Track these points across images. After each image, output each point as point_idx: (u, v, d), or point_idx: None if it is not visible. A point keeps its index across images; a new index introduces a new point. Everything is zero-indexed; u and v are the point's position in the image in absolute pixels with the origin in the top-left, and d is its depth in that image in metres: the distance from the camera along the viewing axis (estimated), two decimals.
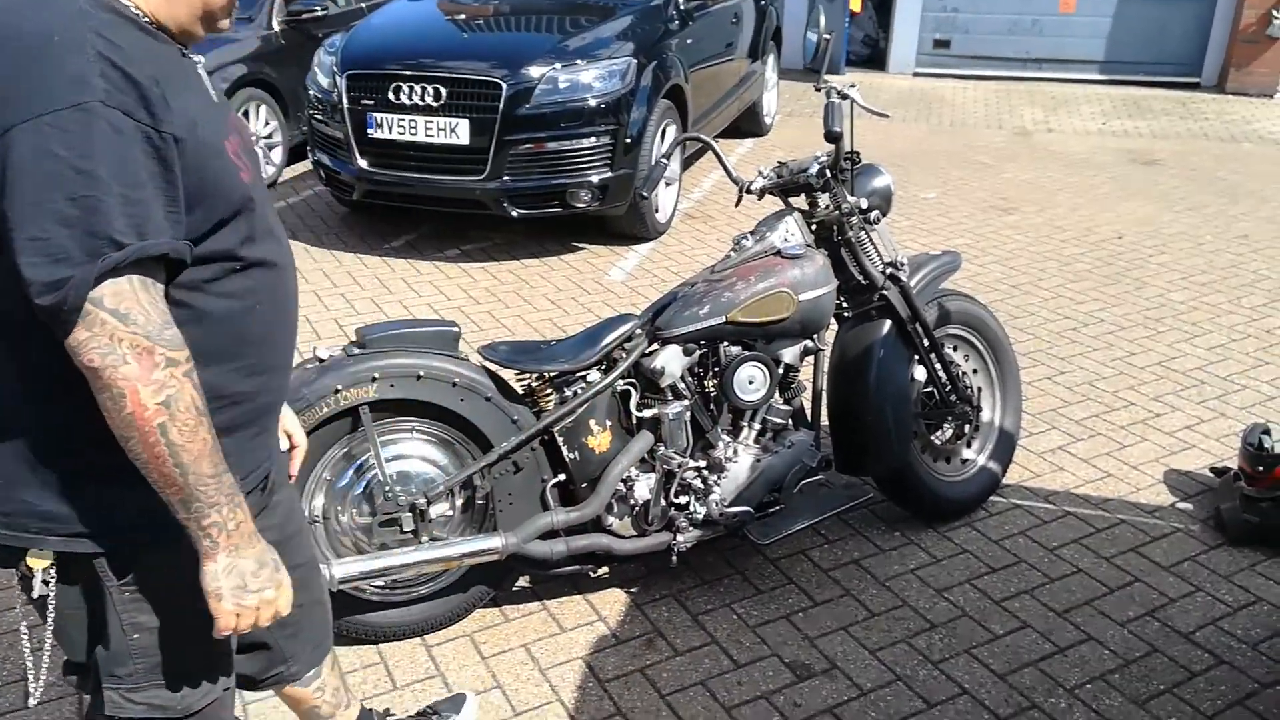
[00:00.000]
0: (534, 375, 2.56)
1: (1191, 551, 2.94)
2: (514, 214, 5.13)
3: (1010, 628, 2.62)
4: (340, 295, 4.88)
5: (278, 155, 6.79)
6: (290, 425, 1.74)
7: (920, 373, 3.00)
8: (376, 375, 2.34)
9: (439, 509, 2.46)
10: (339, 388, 2.31)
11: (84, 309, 1.15)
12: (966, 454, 3.15)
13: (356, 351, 2.37)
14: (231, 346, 1.35)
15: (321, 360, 2.36)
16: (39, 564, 1.32)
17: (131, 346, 1.17)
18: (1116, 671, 2.46)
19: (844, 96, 2.63)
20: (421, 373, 2.37)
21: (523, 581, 2.77)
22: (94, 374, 1.18)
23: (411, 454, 2.46)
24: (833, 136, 2.54)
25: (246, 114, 6.47)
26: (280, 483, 1.61)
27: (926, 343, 2.92)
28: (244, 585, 1.31)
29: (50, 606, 1.35)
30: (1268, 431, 3.16)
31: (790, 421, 2.77)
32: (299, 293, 1.52)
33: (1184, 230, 5.92)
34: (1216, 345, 4.37)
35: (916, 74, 10.50)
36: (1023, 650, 2.54)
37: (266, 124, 6.68)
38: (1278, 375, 4.08)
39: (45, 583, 1.33)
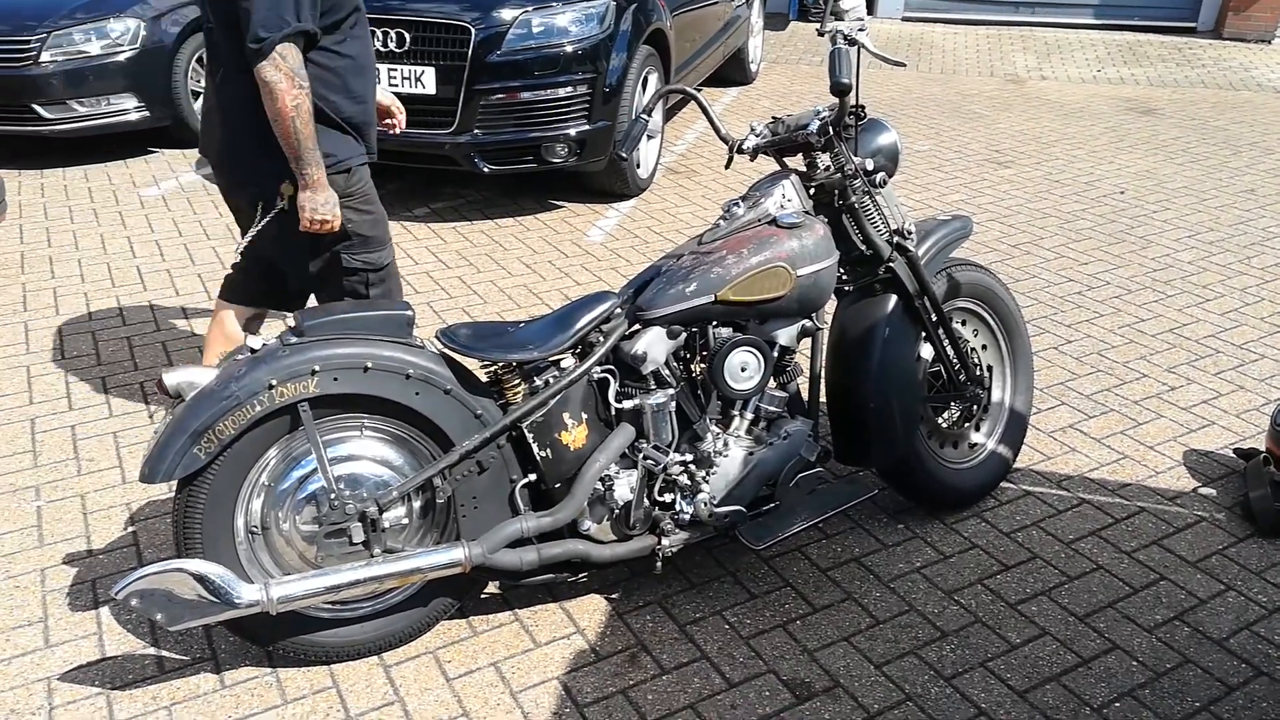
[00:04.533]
0: (499, 364, 2.27)
1: (1219, 544, 2.72)
2: (485, 170, 4.79)
3: (1028, 636, 2.39)
4: None
5: None
6: (389, 103, 2.88)
7: (927, 351, 2.73)
8: (317, 368, 2.04)
9: (393, 516, 2.18)
10: (273, 383, 2.01)
11: (270, 55, 2.22)
12: (975, 438, 2.89)
13: (293, 340, 2.07)
14: (341, 83, 2.43)
15: (253, 351, 2.07)
16: (288, 190, 2.42)
17: (286, 75, 2.25)
18: (1147, 686, 2.24)
19: (852, 42, 2.31)
20: (370, 364, 2.08)
21: (492, 588, 2.50)
22: (264, 85, 2.26)
23: (361, 454, 2.17)
24: (841, 89, 2.22)
25: (202, 62, 6.04)
26: (367, 178, 2.61)
27: (935, 319, 2.66)
28: (315, 208, 2.39)
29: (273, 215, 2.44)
30: None
31: (786, 409, 2.50)
32: None
33: (1186, 184, 5.66)
34: (1229, 310, 4.13)
35: (906, 18, 10.12)
36: (1043, 662, 2.31)
37: None
38: None
39: (283, 198, 2.43)
